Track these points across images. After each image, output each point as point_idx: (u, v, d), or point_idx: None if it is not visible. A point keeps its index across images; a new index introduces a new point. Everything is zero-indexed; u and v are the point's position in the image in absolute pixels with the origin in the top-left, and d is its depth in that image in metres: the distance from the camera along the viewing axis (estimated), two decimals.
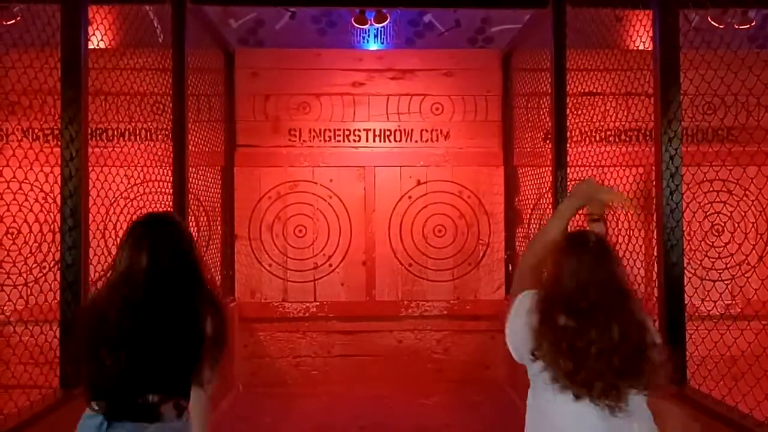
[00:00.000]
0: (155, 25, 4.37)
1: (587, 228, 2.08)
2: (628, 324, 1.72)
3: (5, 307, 2.77)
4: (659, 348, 1.77)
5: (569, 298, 1.74)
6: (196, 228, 4.84)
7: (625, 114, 4.82)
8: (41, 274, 3.09)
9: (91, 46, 3.11)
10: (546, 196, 4.83)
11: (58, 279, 2.91)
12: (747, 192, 3.90)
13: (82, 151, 2.86)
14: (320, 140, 5.84)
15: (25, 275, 3.36)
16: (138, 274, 1.90)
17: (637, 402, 1.73)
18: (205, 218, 5.10)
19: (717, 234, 5.01)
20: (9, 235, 2.76)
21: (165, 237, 1.97)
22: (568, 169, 4.34)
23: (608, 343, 1.68)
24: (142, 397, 1.83)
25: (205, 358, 1.91)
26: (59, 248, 2.91)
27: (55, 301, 2.88)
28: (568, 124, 4.34)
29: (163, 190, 4.17)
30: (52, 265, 3.31)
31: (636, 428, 1.74)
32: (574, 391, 1.70)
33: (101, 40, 4.72)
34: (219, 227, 5.50)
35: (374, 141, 5.85)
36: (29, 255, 3.04)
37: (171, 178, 4.25)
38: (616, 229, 4.66)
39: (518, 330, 1.84)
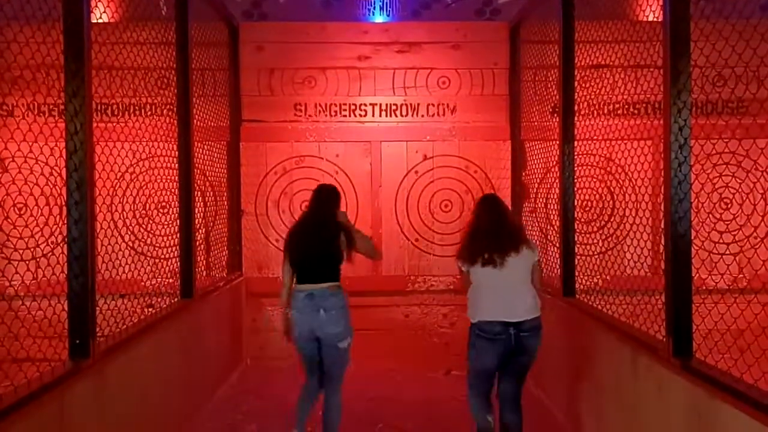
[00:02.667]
0: None
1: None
2: (510, 225, 3.56)
3: (14, 282, 2.78)
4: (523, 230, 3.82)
5: (483, 226, 3.54)
6: (202, 203, 4.84)
7: (635, 86, 4.76)
8: (49, 248, 3.11)
9: (93, 21, 3.08)
10: (553, 170, 4.80)
11: (66, 253, 2.92)
12: (756, 164, 3.85)
13: (86, 124, 2.84)
14: (326, 115, 5.81)
15: (32, 250, 3.38)
16: (314, 215, 3.78)
17: (513, 261, 3.41)
18: (211, 193, 5.10)
19: (725, 207, 4.97)
20: (15, 208, 2.76)
21: (326, 198, 3.80)
22: (576, 142, 4.31)
23: (497, 236, 3.45)
24: (320, 281, 3.65)
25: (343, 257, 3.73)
26: (66, 222, 2.91)
27: (63, 274, 2.90)
28: (576, 97, 4.30)
29: (168, 165, 4.17)
30: (59, 239, 3.33)
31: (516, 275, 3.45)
32: (482, 262, 3.43)
33: (104, 12, 4.68)
34: (225, 202, 5.50)
35: (380, 115, 5.82)
36: (36, 229, 3.05)
37: (177, 153, 4.25)
38: (623, 201, 4.63)
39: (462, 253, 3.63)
